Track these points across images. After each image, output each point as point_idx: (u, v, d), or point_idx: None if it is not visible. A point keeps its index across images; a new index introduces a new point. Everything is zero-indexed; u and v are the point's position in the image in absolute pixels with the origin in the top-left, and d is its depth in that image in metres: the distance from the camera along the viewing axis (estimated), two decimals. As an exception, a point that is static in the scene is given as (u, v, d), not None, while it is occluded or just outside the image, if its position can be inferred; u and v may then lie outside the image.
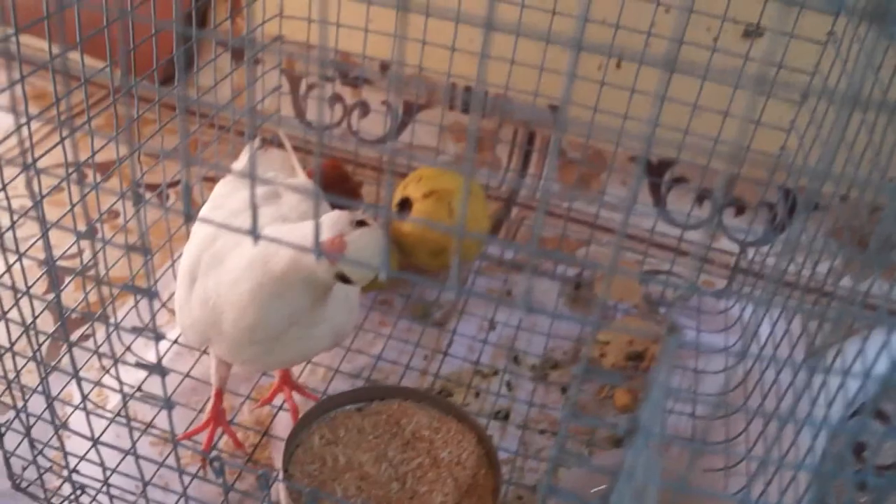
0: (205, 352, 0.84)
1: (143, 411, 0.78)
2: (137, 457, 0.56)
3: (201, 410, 0.78)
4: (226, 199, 0.72)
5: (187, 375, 0.82)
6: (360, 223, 0.57)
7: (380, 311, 0.93)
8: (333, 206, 0.78)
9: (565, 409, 0.44)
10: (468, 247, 0.93)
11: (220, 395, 0.76)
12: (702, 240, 1.07)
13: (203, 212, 0.73)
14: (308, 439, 0.69)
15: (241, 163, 0.83)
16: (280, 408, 0.80)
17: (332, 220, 0.58)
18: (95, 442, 0.59)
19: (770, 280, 0.83)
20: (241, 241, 0.63)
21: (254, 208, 0.38)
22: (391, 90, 1.14)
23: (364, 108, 1.18)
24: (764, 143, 0.89)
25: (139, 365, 0.49)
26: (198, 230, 0.68)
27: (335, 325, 0.65)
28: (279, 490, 0.64)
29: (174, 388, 0.80)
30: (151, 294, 0.48)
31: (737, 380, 0.85)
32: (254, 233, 0.40)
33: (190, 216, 0.41)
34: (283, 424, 0.78)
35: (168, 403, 0.52)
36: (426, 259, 0.92)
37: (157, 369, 0.49)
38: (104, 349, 0.81)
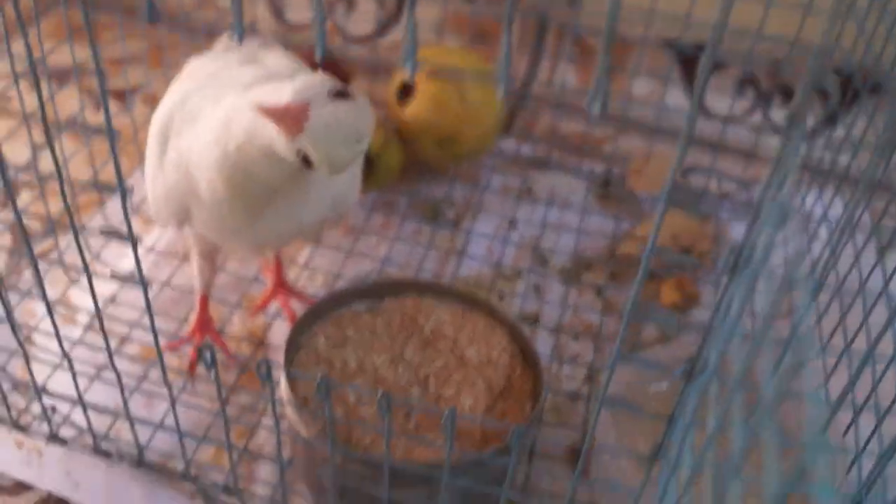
0: (185, 259, 0.75)
1: (117, 326, 0.69)
2: (115, 369, 0.47)
3: (185, 322, 0.70)
4: (196, 70, 0.62)
5: (167, 285, 0.72)
6: (339, 94, 0.47)
7: (382, 212, 0.83)
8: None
9: (627, 306, 0.34)
10: (481, 137, 0.84)
11: (205, 300, 0.67)
12: (747, 133, 0.98)
13: (172, 87, 0.63)
14: (311, 341, 0.60)
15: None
16: (276, 317, 0.71)
17: (304, 85, 0.47)
18: (66, 356, 0.51)
19: (827, 174, 0.74)
20: (217, 98, 0.53)
21: None
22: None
23: (349, 2, 1.07)
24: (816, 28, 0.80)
25: (113, 277, 0.40)
26: (169, 93, 0.59)
27: (333, 192, 0.56)
28: (282, 389, 0.55)
29: (153, 298, 0.71)
30: (123, 190, 0.39)
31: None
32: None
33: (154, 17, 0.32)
34: (281, 333, 0.69)
35: (142, 279, 0.43)
36: (433, 150, 0.83)
37: (129, 238, 0.40)
38: (71, 259, 0.72)
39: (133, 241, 0.41)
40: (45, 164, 0.80)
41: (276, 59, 0.61)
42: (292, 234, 0.58)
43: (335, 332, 0.60)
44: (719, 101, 0.97)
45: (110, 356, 0.49)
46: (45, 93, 0.42)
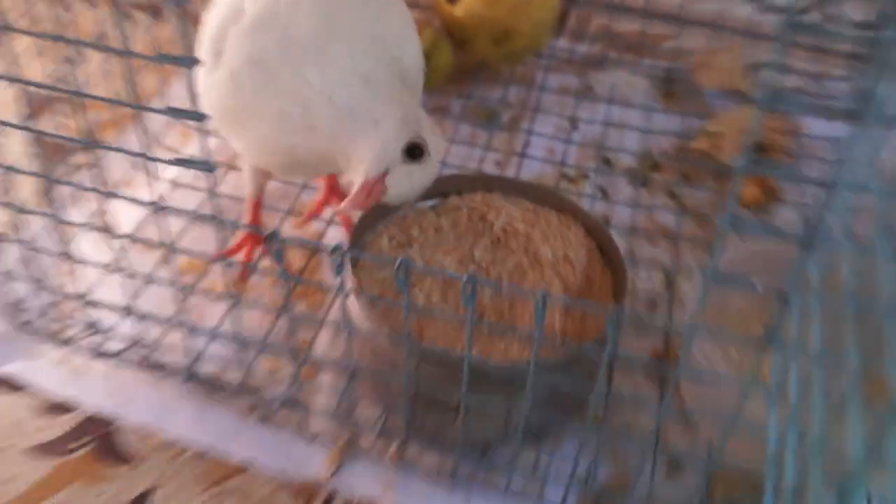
0: (231, 168, 0.73)
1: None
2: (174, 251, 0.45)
3: (235, 230, 0.68)
4: None
5: (212, 194, 0.70)
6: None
7: (435, 116, 0.81)
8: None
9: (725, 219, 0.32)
10: (536, 32, 0.80)
11: (257, 205, 0.65)
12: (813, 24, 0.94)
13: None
14: (374, 242, 0.58)
15: None
16: (330, 222, 0.69)
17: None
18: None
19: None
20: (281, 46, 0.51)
21: None
22: None
23: None
24: None
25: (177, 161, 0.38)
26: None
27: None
28: (349, 283, 0.53)
29: (197, 208, 0.69)
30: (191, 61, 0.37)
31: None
32: None
33: None
34: (336, 242, 0.67)
35: (208, 165, 0.41)
36: (487, 47, 0.80)
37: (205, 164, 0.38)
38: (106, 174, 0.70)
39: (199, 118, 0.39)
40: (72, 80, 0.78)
41: None
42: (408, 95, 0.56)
43: (399, 232, 0.58)
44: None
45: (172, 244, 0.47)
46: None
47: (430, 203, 0.62)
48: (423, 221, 0.59)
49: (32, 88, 0.46)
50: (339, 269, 0.44)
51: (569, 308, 0.55)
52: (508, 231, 0.59)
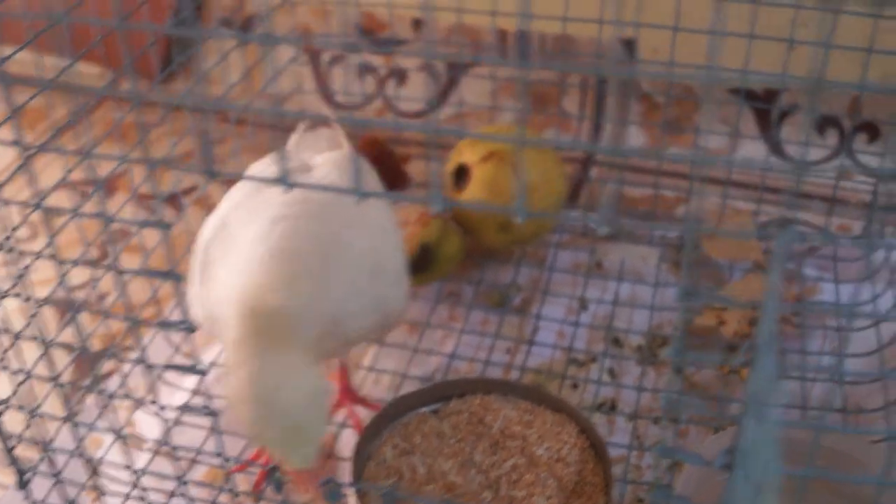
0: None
1: (185, 451, 0.81)
2: (182, 484, 0.58)
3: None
4: (238, 189, 0.74)
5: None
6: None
7: (447, 303, 0.94)
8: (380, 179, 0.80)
9: (666, 394, 0.44)
10: (542, 219, 0.94)
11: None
12: (829, 177, 1.06)
13: (221, 204, 0.76)
14: (379, 451, 0.71)
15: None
16: (343, 426, 0.82)
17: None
18: (136, 482, 0.62)
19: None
20: (251, 219, 0.65)
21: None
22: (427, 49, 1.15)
23: (400, 76, 1.20)
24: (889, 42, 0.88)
25: (173, 366, 0.51)
26: (214, 213, 0.71)
27: (377, 296, 0.68)
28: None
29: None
30: (187, 327, 0.50)
31: (891, 334, 0.84)
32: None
33: (212, 172, 0.43)
34: (349, 444, 0.80)
35: (209, 409, 0.54)
36: (494, 236, 0.93)
37: (193, 370, 0.51)
38: (133, 383, 0.84)
39: (196, 370, 0.52)
40: (104, 283, 0.93)
41: (323, 171, 0.73)
42: (341, 347, 0.70)
43: (402, 440, 0.71)
44: (798, 145, 1.06)
45: (183, 478, 0.60)
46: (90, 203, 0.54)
47: (432, 407, 0.74)
48: (425, 427, 0.72)
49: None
50: (333, 498, 0.56)
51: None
52: (506, 433, 0.71)
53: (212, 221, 0.72)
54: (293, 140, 0.87)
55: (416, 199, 0.45)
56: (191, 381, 0.87)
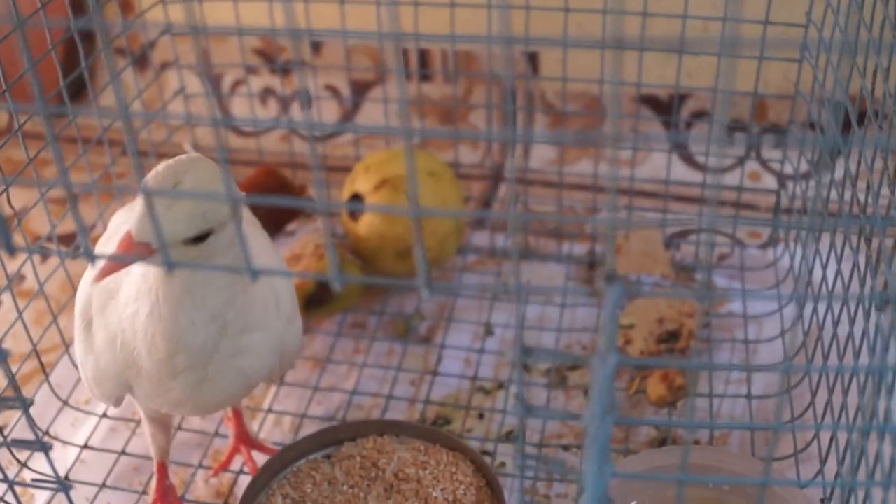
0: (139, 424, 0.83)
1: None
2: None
3: (145, 492, 0.78)
4: (119, 226, 0.71)
5: (123, 453, 0.81)
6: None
7: (351, 336, 0.91)
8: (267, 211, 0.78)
9: (516, 406, 0.42)
10: (442, 240, 0.92)
11: (162, 468, 0.75)
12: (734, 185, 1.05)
13: (97, 247, 0.73)
14: (268, 503, 0.68)
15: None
16: (240, 472, 0.79)
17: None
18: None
19: (814, 212, 0.81)
20: (129, 269, 0.62)
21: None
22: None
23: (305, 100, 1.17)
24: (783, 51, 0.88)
25: (35, 482, 0.48)
26: (87, 271, 0.68)
27: (272, 336, 0.65)
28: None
29: (109, 470, 0.79)
30: (25, 404, 0.47)
31: (797, 345, 0.83)
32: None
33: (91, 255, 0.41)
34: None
35: (63, 485, 0.51)
36: (392, 264, 0.91)
37: (59, 484, 0.49)
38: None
39: (45, 449, 0.49)
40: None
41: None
42: (240, 392, 0.67)
43: (292, 490, 0.68)
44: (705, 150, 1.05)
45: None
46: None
47: (325, 452, 0.72)
48: (316, 474, 0.69)
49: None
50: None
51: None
52: (400, 476, 0.68)
53: (85, 277, 0.68)
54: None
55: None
56: (83, 432, 0.83)
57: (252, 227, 0.74)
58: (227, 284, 0.61)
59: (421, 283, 0.38)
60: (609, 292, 0.37)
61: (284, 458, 0.71)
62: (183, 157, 0.59)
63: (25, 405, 0.46)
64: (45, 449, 0.47)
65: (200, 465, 0.80)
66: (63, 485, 0.48)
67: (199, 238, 0.57)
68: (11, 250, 0.42)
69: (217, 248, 0.59)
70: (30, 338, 0.79)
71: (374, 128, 0.91)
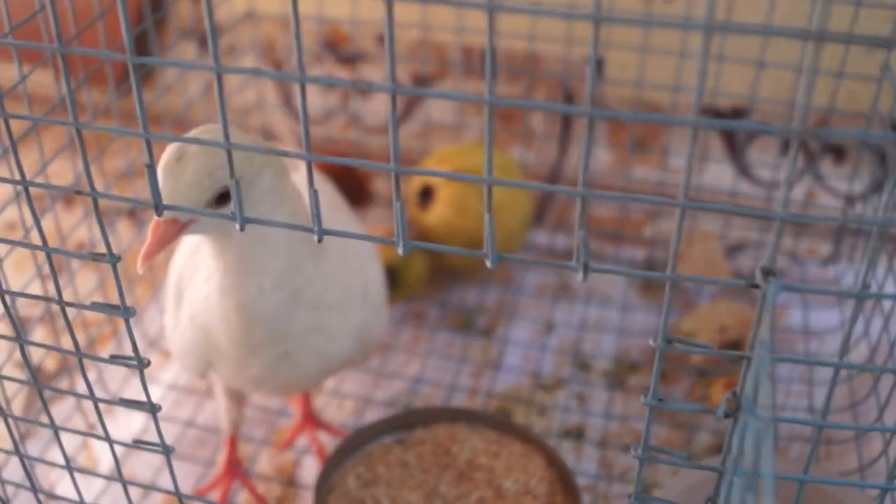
0: (208, 395, 0.84)
1: (142, 471, 0.78)
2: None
3: (212, 464, 0.79)
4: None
5: (190, 424, 0.82)
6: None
7: (412, 325, 0.92)
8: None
9: (649, 399, 0.43)
10: (510, 234, 0.93)
11: (233, 441, 0.76)
12: (797, 198, 1.06)
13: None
14: (342, 482, 0.69)
15: None
16: (305, 452, 0.80)
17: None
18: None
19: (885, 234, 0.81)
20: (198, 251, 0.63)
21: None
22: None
23: (364, 91, 1.18)
24: (860, 66, 0.88)
25: (124, 401, 0.49)
26: (185, 241, 0.69)
27: (354, 321, 0.66)
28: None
29: (176, 441, 0.80)
30: (126, 312, 0.47)
31: (861, 361, 0.84)
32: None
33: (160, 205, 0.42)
34: (311, 471, 0.78)
35: (166, 448, 0.52)
36: (460, 256, 0.92)
37: (149, 406, 0.49)
38: (88, 405, 0.82)
39: (140, 367, 0.49)
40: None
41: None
42: (320, 371, 0.67)
43: (366, 471, 0.69)
44: (765, 167, 1.06)
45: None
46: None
47: (397, 436, 0.72)
48: (388, 457, 0.70)
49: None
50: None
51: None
52: (472, 464, 0.69)
53: (181, 249, 0.69)
54: None
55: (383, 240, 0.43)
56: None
57: (337, 213, 0.75)
58: (283, 246, 0.60)
59: (487, 252, 0.39)
60: (768, 287, 0.38)
61: (357, 440, 0.71)
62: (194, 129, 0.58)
63: (141, 364, 0.47)
64: (142, 366, 0.47)
65: (264, 442, 0.81)
66: (153, 406, 0.49)
67: (222, 198, 0.56)
68: (160, 211, 0.42)
69: (251, 207, 0.57)
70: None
71: (457, 95, 0.92)
